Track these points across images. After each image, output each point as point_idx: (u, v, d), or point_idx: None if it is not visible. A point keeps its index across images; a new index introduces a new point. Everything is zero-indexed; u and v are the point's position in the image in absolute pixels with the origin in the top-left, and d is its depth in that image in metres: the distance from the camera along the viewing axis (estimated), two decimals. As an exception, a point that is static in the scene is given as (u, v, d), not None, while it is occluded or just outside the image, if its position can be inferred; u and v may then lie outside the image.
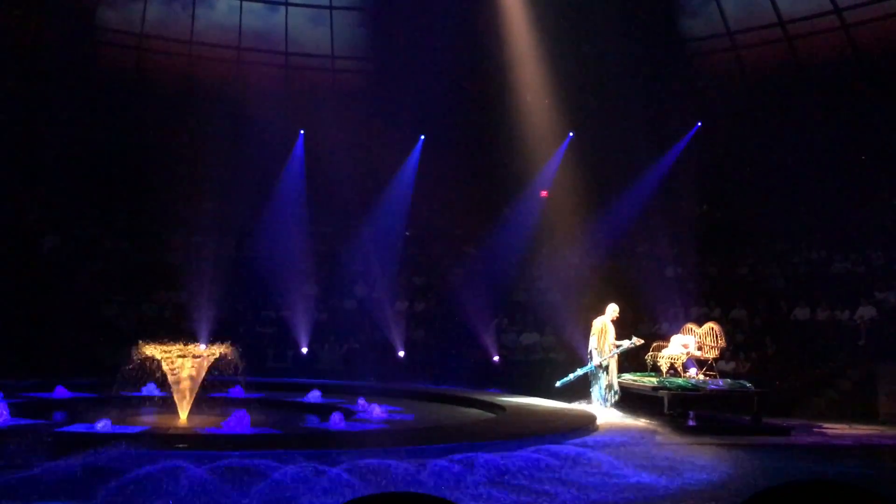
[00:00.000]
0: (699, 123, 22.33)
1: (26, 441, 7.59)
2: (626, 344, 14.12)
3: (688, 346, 14.03)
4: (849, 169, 20.09)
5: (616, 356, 14.19)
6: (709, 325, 14.36)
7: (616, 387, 14.14)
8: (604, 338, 14.17)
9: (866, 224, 19.74)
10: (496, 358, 18.84)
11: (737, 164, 22.20)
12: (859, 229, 19.81)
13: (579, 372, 14.35)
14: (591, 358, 14.30)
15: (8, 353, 15.46)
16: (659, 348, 14.40)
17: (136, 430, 9.79)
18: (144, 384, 12.35)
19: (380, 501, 1.59)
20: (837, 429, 13.63)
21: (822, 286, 18.94)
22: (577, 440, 10.11)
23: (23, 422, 10.18)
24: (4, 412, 10.11)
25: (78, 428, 9.96)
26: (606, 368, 14.15)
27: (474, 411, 13.03)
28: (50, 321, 17.47)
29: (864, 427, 13.88)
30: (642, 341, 14.25)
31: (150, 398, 12.47)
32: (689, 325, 14.65)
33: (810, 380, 16.71)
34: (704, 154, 22.07)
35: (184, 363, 11.05)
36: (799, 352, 17.50)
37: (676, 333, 14.50)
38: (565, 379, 14.35)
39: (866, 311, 17.41)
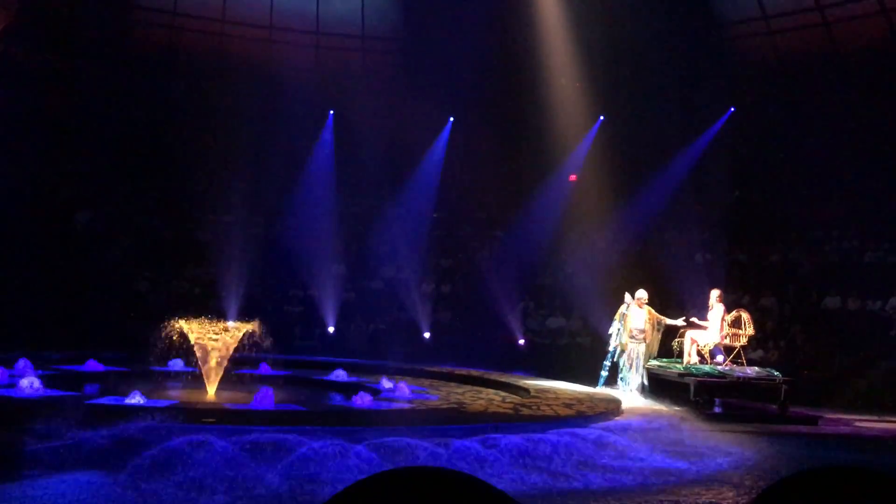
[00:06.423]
0: (732, 108, 22.01)
1: (58, 412, 7.73)
2: (613, 326, 14.19)
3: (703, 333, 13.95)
4: (885, 157, 19.69)
5: (647, 340, 14.11)
6: (737, 312, 14.20)
7: (643, 371, 14.05)
8: (625, 324, 14.15)
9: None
10: (521, 341, 18.85)
11: (770, 151, 21.86)
12: (893, 218, 19.44)
13: (606, 363, 14.37)
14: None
15: (41, 326, 15.74)
16: (684, 335, 14.28)
17: (166, 403, 9.94)
18: (172, 359, 12.51)
19: (405, 475, 1.60)
20: (866, 420, 13.48)
21: (853, 275, 18.66)
22: (602, 424, 10.08)
23: (55, 393, 10.38)
24: (38, 384, 10.30)
25: (109, 400, 10.14)
26: (631, 354, 14.08)
27: (499, 393, 13.05)
28: (82, 295, 17.76)
29: (895, 418, 13.71)
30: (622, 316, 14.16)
31: (179, 373, 12.63)
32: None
33: (840, 370, 16.52)
34: (737, 139, 21.76)
35: (212, 340, 11.18)
36: (828, 341, 17.28)
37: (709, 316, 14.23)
38: (601, 379, 14.34)
39: (899, 302, 17.17)
